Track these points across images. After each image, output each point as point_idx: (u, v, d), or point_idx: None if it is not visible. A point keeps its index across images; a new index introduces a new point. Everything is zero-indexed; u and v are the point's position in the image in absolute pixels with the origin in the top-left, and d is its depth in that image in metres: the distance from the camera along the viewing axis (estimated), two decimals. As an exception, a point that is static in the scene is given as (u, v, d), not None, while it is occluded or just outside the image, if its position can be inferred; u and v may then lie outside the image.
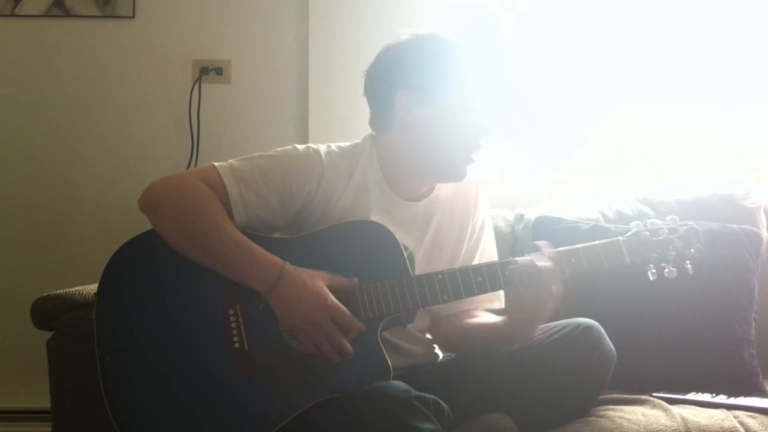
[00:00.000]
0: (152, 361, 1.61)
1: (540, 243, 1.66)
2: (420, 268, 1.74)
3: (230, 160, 1.72)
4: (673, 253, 1.66)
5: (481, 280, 1.65)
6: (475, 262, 1.84)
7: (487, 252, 1.87)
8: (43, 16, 2.72)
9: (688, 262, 1.66)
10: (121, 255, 1.67)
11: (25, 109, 2.73)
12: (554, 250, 1.65)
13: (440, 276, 1.65)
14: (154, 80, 2.73)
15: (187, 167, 2.67)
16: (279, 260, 1.60)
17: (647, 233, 1.67)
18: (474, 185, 1.86)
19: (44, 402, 1.92)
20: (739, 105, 2.57)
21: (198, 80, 2.70)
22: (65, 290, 1.90)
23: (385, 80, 1.75)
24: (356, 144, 1.81)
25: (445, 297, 1.65)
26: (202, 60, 2.71)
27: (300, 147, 1.75)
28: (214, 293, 1.63)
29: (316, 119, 2.66)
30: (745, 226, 2.19)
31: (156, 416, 1.59)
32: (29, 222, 2.73)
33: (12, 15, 2.72)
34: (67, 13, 2.72)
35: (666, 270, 1.66)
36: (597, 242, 1.67)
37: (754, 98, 2.57)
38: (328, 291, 1.59)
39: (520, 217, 2.35)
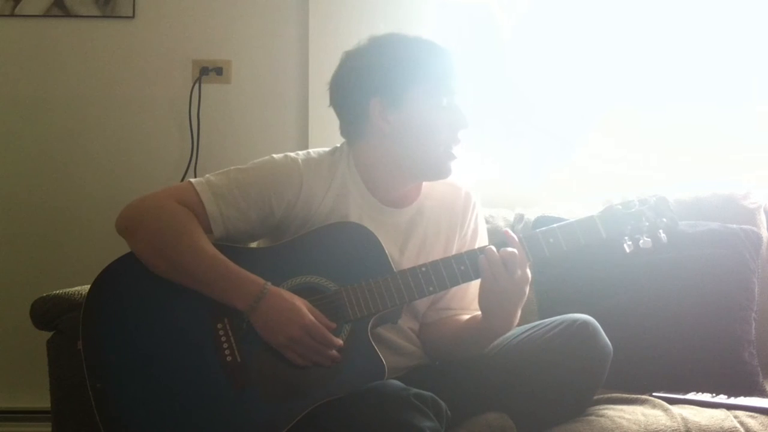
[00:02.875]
0: (146, 384, 1.60)
1: (507, 230, 1.67)
2: None
3: (207, 175, 1.72)
4: (647, 223, 1.69)
5: (464, 268, 1.65)
6: None
7: None
8: (43, 16, 2.71)
9: (661, 231, 1.70)
10: (103, 281, 1.67)
11: (25, 110, 2.73)
12: (518, 236, 1.66)
13: (423, 269, 1.65)
14: (154, 80, 2.72)
15: (187, 167, 2.67)
16: (260, 279, 1.61)
17: (620, 207, 1.70)
18: (462, 195, 1.85)
19: (44, 402, 1.92)
20: (739, 105, 2.57)
21: (198, 80, 2.70)
22: (65, 290, 1.89)
23: (356, 90, 1.75)
24: (335, 149, 1.81)
25: (431, 288, 1.65)
26: (202, 60, 2.71)
27: (277, 157, 1.75)
28: (200, 309, 1.63)
29: (316, 119, 2.66)
30: (745, 226, 2.19)
31: None
32: (29, 222, 2.73)
33: (12, 15, 2.71)
34: (67, 13, 2.71)
35: (641, 241, 1.69)
36: (572, 220, 1.69)
37: (754, 98, 2.57)
38: (305, 309, 1.60)
39: (520, 217, 2.34)
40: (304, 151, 1.79)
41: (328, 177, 1.75)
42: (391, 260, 1.67)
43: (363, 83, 1.74)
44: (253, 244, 1.84)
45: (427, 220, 1.81)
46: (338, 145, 1.83)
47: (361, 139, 1.77)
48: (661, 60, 2.58)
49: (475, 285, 1.70)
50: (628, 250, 1.69)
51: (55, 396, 1.86)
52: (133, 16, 2.71)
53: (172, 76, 2.72)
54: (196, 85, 2.70)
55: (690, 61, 2.57)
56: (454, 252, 1.81)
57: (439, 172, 1.76)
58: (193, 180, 1.71)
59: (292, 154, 1.76)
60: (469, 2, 2.61)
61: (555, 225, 1.68)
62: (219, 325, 1.62)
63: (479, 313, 1.70)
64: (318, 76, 2.65)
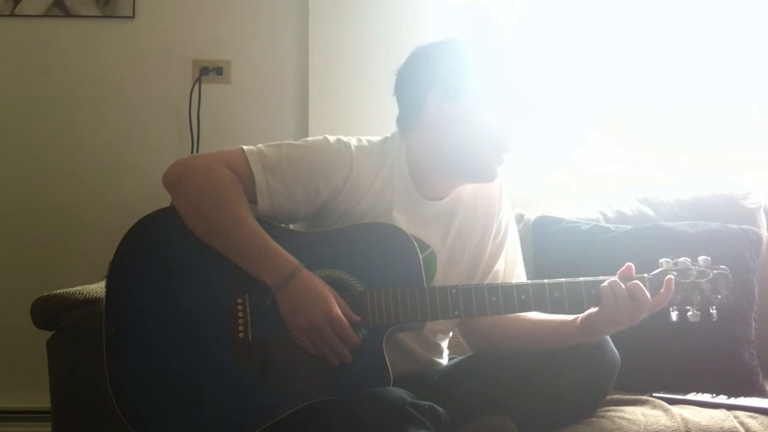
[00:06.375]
0: (156, 339, 1.62)
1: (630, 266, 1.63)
2: (441, 267, 1.74)
3: (259, 145, 1.71)
4: (699, 297, 1.62)
5: (495, 300, 1.62)
6: (499, 263, 1.83)
7: (510, 254, 1.86)
8: (43, 16, 2.71)
9: (713, 307, 1.62)
10: (142, 227, 1.68)
11: (25, 109, 2.73)
12: (540, 282, 1.64)
13: (454, 291, 1.63)
14: (154, 80, 2.73)
15: (187, 167, 2.67)
16: (294, 260, 1.60)
17: (675, 273, 1.62)
18: (497, 186, 1.84)
19: (44, 402, 1.92)
20: (739, 105, 2.57)
21: (198, 80, 2.70)
22: (65, 290, 1.89)
23: (417, 78, 1.74)
24: (386, 139, 1.80)
25: (456, 312, 1.62)
26: (202, 60, 2.71)
27: (331, 139, 1.74)
28: (225, 280, 1.64)
29: (316, 119, 2.66)
30: (745, 226, 2.19)
31: (154, 394, 1.60)
32: (29, 222, 2.73)
33: (12, 15, 2.71)
34: (67, 13, 2.71)
35: (689, 313, 1.62)
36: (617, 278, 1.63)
37: (754, 98, 2.57)
38: (334, 301, 1.59)
39: (520, 217, 2.34)
40: (356, 137, 1.77)
41: (376, 166, 1.74)
42: (423, 272, 1.64)
43: (425, 72, 1.73)
44: (292, 227, 1.82)
45: (465, 208, 1.80)
46: (389, 135, 1.81)
47: (415, 130, 1.76)
48: (661, 60, 2.58)
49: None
50: (674, 319, 1.62)
51: (55, 396, 1.86)
52: (133, 16, 2.71)
53: (172, 76, 2.72)
54: (196, 85, 2.70)
55: (690, 61, 2.57)
56: (491, 241, 1.81)
57: (485, 174, 1.75)
58: (245, 147, 1.70)
59: (345, 139, 1.74)
60: (469, 2, 2.61)
61: (601, 277, 1.61)
62: (239, 300, 1.63)
63: (559, 318, 1.68)
64: (318, 76, 2.66)
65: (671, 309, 1.63)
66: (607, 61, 2.59)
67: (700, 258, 1.65)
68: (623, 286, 1.58)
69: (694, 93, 2.58)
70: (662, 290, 1.59)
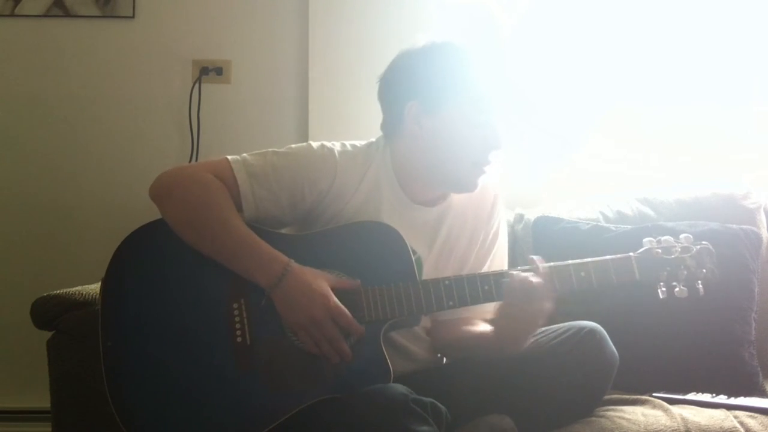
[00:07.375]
0: (155, 350, 1.62)
1: (534, 258, 1.65)
2: (427, 273, 1.74)
3: (243, 154, 1.72)
4: (685, 272, 1.65)
5: (487, 288, 1.64)
6: (485, 269, 1.83)
7: (497, 261, 1.86)
8: (43, 16, 2.72)
9: (699, 282, 1.65)
10: (131, 241, 1.68)
11: (25, 110, 2.73)
12: (547, 265, 1.63)
13: (447, 282, 1.64)
14: (154, 80, 2.73)
15: (187, 167, 2.67)
16: (284, 257, 1.61)
17: (659, 251, 1.65)
18: (492, 193, 1.84)
19: (44, 402, 1.92)
20: (739, 105, 2.57)
21: (198, 80, 2.70)
22: (65, 290, 1.90)
23: (396, 89, 1.75)
24: (370, 143, 1.81)
25: (450, 303, 1.64)
26: (202, 60, 2.71)
27: (314, 145, 1.75)
28: (220, 286, 1.64)
29: (316, 119, 2.66)
30: (745, 226, 2.19)
31: (156, 405, 1.60)
32: (29, 222, 2.73)
33: (12, 15, 2.71)
34: (67, 13, 2.71)
35: (676, 289, 1.64)
36: (607, 257, 1.65)
37: (753, 98, 2.57)
38: (331, 292, 1.59)
39: (520, 217, 2.35)
40: (340, 142, 1.78)
41: (361, 170, 1.75)
42: (416, 269, 1.65)
43: (404, 83, 1.74)
44: (282, 231, 1.83)
45: (454, 215, 1.81)
46: (373, 139, 1.82)
47: (397, 138, 1.77)
48: (661, 60, 2.58)
49: None
50: (661, 296, 1.65)
51: (55, 396, 1.86)
52: (133, 16, 2.71)
53: (172, 76, 2.72)
54: (196, 85, 2.70)
55: (690, 61, 2.57)
56: (477, 248, 1.82)
57: (465, 186, 1.76)
58: (229, 157, 1.71)
59: (329, 144, 1.76)
60: (469, 2, 2.61)
61: (589, 260, 1.64)
62: (235, 305, 1.63)
63: (487, 328, 1.70)
64: (318, 76, 2.66)
65: (659, 286, 1.65)
66: (607, 62, 2.59)
67: (682, 235, 1.68)
68: (516, 278, 1.60)
69: (694, 93, 2.58)
70: (540, 268, 1.61)
